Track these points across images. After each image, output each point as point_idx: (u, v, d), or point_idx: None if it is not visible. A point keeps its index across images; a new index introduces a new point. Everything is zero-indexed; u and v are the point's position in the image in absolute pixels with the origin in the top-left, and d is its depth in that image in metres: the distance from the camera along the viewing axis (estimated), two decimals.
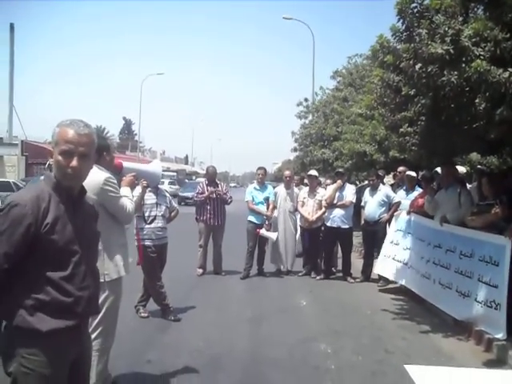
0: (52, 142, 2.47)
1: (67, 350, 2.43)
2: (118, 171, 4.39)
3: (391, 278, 8.64)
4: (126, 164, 4.26)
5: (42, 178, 2.52)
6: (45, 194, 2.35)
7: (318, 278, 9.64)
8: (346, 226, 9.57)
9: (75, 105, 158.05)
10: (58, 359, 2.37)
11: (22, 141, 34.32)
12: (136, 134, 72.58)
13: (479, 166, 10.34)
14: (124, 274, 4.04)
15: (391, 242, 8.84)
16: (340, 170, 10.74)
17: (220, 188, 9.81)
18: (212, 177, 9.96)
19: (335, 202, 9.57)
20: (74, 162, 2.39)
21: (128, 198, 4.06)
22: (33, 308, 2.28)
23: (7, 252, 2.23)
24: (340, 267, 10.05)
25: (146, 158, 59.58)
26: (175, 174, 49.92)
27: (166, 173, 43.57)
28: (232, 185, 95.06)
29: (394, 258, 8.58)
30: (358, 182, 18.94)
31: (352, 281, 9.42)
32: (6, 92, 36.10)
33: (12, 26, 37.53)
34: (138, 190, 5.63)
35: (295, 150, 23.06)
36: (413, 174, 9.41)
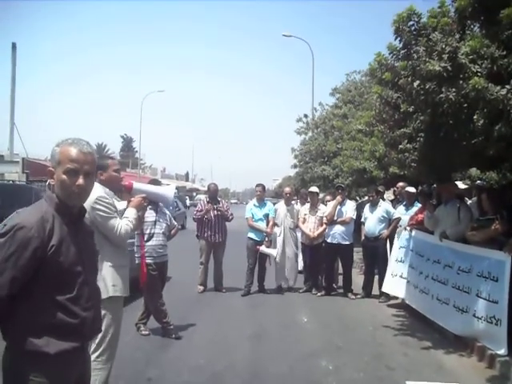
0: (53, 161, 2.42)
1: (72, 371, 2.42)
2: (128, 192, 4.40)
3: (401, 296, 8.58)
4: (135, 185, 4.21)
5: (43, 198, 2.48)
6: (48, 215, 2.32)
7: (319, 294, 9.62)
8: (347, 242, 9.57)
9: (75, 123, 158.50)
10: (63, 381, 2.36)
11: (23, 158, 34.37)
12: (137, 152, 72.78)
13: (478, 182, 10.37)
14: (112, 294, 3.97)
15: (396, 260, 8.82)
16: (341, 184, 10.76)
17: (221, 205, 9.83)
18: (214, 194, 9.99)
19: (335, 218, 9.58)
20: (81, 181, 2.39)
21: (128, 219, 3.99)
22: (40, 331, 2.26)
23: (15, 276, 2.19)
24: (341, 283, 10.03)
25: (146, 175, 59.64)
26: (176, 191, 49.86)
27: None
28: (232, 201, 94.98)
29: (401, 276, 8.55)
30: (358, 198, 18.96)
31: (353, 297, 9.40)
32: (7, 109, 36.23)
33: (14, 46, 37.84)
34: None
35: (295, 166, 23.09)
36: (412, 189, 9.45)
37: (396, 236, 8.95)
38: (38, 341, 2.25)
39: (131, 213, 4.06)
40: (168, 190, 4.09)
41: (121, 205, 4.34)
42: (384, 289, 9.01)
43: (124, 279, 4.08)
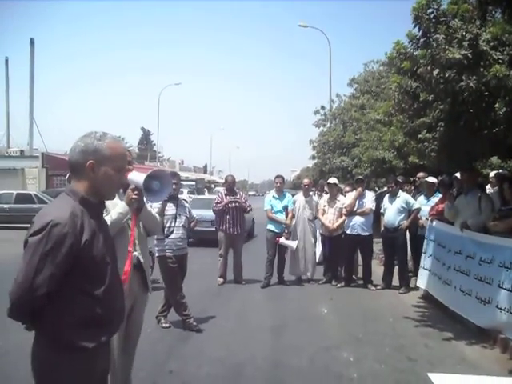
0: (96, 155, 2.35)
1: (101, 363, 2.44)
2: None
3: (426, 288, 8.49)
4: (129, 175, 3.81)
5: (65, 192, 2.44)
6: (77, 210, 2.30)
7: (338, 285, 9.60)
8: (366, 234, 9.53)
9: (93, 116, 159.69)
10: (94, 373, 2.38)
11: (42, 153, 34.77)
12: (154, 144, 73.17)
13: (500, 171, 10.23)
14: None
15: (424, 253, 8.71)
16: (360, 177, 10.69)
17: (239, 197, 9.83)
18: (231, 186, 9.99)
19: (355, 209, 9.53)
20: (123, 178, 2.45)
21: (110, 214, 3.68)
22: (77, 325, 2.26)
23: (53, 273, 2.18)
24: (360, 275, 9.98)
25: (164, 168, 59.93)
26: (194, 183, 49.99)
27: (185, 182, 43.72)
28: (250, 193, 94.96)
29: (424, 268, 8.47)
30: (377, 189, 18.85)
31: (373, 288, 9.36)
32: (26, 105, 36.65)
33: (32, 41, 38.18)
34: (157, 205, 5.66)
35: (313, 157, 23.02)
36: (432, 179, 9.33)
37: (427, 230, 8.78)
38: (75, 335, 2.25)
39: (117, 207, 3.78)
40: (140, 177, 3.70)
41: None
42: (418, 283, 8.87)
43: None
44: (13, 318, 2.25)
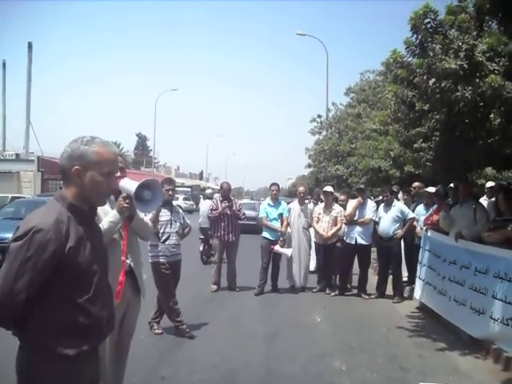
0: (82, 160, 2.33)
1: (87, 372, 2.40)
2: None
3: (421, 299, 8.45)
4: (121, 183, 3.58)
5: (54, 198, 2.41)
6: (63, 216, 2.28)
7: (332, 294, 9.58)
8: (365, 243, 9.50)
9: (90, 120, 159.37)
10: (79, 382, 2.35)
11: (38, 157, 34.70)
12: (151, 150, 73.12)
13: (494, 182, 10.25)
14: None
15: (420, 263, 8.69)
16: (361, 186, 10.69)
17: (234, 204, 9.82)
18: (226, 193, 9.97)
19: (355, 218, 9.53)
20: (113, 183, 2.41)
21: (101, 223, 3.55)
22: (58, 332, 2.24)
23: (33, 279, 2.16)
24: (354, 283, 9.96)
25: (160, 173, 59.90)
26: (190, 189, 50.02)
27: (180, 188, 43.69)
28: (244, 201, 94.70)
29: (419, 278, 8.47)
30: (372, 198, 18.87)
31: (366, 297, 9.35)
32: (22, 108, 36.62)
33: (30, 45, 38.18)
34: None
35: (309, 166, 23.07)
36: (432, 189, 9.32)
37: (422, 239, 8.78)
38: (57, 342, 2.23)
39: (108, 216, 3.70)
40: (132, 185, 3.58)
41: None
42: (416, 295, 8.82)
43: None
44: None
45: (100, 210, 3.48)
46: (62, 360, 2.24)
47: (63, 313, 2.25)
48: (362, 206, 9.63)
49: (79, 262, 2.28)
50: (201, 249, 12.80)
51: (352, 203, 9.85)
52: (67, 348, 2.24)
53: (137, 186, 3.31)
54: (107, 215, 3.66)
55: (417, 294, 8.74)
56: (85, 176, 2.33)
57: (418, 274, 8.70)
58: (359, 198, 9.69)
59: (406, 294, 9.19)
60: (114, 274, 3.42)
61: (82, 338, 2.30)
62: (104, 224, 3.57)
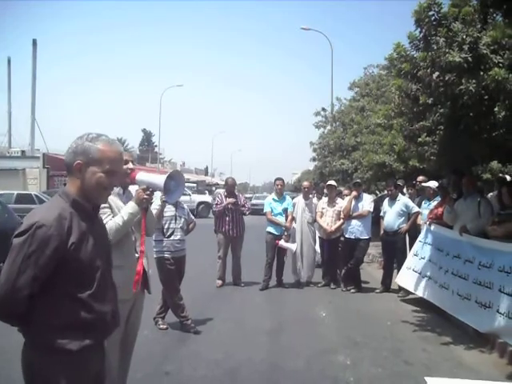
0: (85, 156, 2.35)
1: (92, 368, 2.42)
2: (134, 184, 4.29)
3: (412, 289, 8.50)
4: (138, 176, 3.92)
5: (58, 194, 2.44)
6: (66, 213, 2.29)
7: (351, 290, 9.49)
8: (365, 237, 9.49)
9: (95, 117, 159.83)
10: (83, 377, 2.36)
11: (43, 153, 34.83)
12: (156, 146, 73.15)
13: (500, 175, 10.21)
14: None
15: (414, 254, 8.73)
16: (358, 180, 10.67)
17: (238, 199, 9.82)
18: (231, 188, 9.96)
19: (351, 213, 9.52)
20: (115, 181, 2.43)
21: (120, 214, 3.66)
22: (62, 328, 2.25)
23: (36, 275, 2.17)
24: (363, 278, 9.92)
25: (165, 169, 59.95)
26: (195, 185, 50.03)
27: (186, 184, 43.66)
28: (248, 195, 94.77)
29: (414, 270, 8.48)
30: (378, 192, 18.85)
31: (344, 289, 9.51)
32: (28, 105, 36.72)
33: (35, 42, 38.29)
34: (158, 202, 5.68)
35: (314, 160, 23.04)
36: (433, 184, 9.29)
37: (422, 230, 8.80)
38: (60, 338, 2.24)
39: (127, 207, 3.76)
40: (160, 178, 3.85)
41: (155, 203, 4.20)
42: (397, 280, 8.94)
43: (121, 281, 3.35)
44: None
45: (113, 203, 3.69)
46: (66, 355, 2.25)
47: (66, 308, 2.27)
48: (358, 200, 9.63)
49: (82, 257, 2.29)
50: None
51: (347, 198, 9.86)
52: (70, 343, 2.25)
53: (166, 178, 3.58)
54: (123, 208, 3.74)
55: (399, 280, 8.93)
56: (86, 171, 2.35)
57: (406, 263, 8.83)
58: (353, 192, 9.69)
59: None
60: (129, 265, 3.68)
61: (85, 333, 2.31)
62: (124, 215, 3.65)
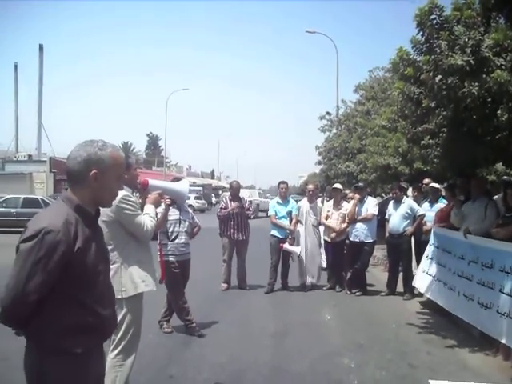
0: (99, 165, 2.38)
1: (93, 369, 2.45)
2: (143, 188, 4.46)
3: (426, 293, 8.43)
4: (151, 182, 4.33)
5: (60, 199, 2.47)
6: (71, 218, 2.31)
7: (357, 293, 9.47)
8: (370, 240, 9.50)
9: (101, 121, 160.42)
10: (86, 379, 2.38)
11: (50, 158, 35.02)
12: (162, 150, 73.35)
13: (505, 177, 10.19)
14: (143, 290, 4.05)
15: (426, 257, 8.68)
16: (359, 184, 10.66)
17: (243, 203, 9.84)
18: (236, 192, 9.99)
19: (356, 216, 9.54)
20: (122, 185, 2.54)
21: (149, 215, 4.10)
22: (66, 330, 2.27)
23: (45, 280, 2.19)
24: (368, 281, 9.92)
25: (172, 173, 60.10)
26: (201, 188, 50.14)
27: (192, 187, 43.78)
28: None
29: (427, 273, 8.45)
30: (383, 195, 18.82)
31: (348, 292, 9.48)
32: (34, 110, 36.92)
33: (41, 47, 38.52)
34: (162, 206, 5.72)
35: (319, 163, 23.06)
36: (436, 185, 9.31)
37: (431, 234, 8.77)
38: (64, 341, 2.27)
39: (151, 209, 4.17)
40: (183, 186, 4.15)
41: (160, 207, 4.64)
42: (414, 284, 8.87)
43: (152, 274, 4.16)
44: (4, 323, 2.26)
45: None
46: (70, 358, 2.28)
47: (70, 312, 2.29)
48: (362, 204, 9.66)
49: (86, 262, 2.32)
50: None
51: (351, 202, 9.87)
52: (75, 346, 2.29)
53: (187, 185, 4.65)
54: (148, 210, 4.18)
55: (416, 284, 8.80)
56: (101, 179, 2.39)
57: (421, 267, 8.70)
58: (356, 196, 9.72)
59: (416, 291, 9.16)
60: (147, 260, 4.17)
61: (88, 335, 2.36)
62: (153, 218, 4.15)
